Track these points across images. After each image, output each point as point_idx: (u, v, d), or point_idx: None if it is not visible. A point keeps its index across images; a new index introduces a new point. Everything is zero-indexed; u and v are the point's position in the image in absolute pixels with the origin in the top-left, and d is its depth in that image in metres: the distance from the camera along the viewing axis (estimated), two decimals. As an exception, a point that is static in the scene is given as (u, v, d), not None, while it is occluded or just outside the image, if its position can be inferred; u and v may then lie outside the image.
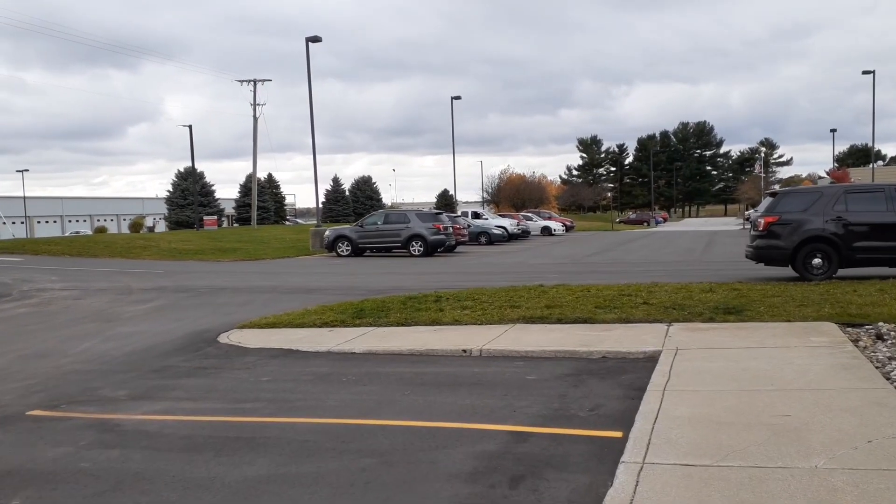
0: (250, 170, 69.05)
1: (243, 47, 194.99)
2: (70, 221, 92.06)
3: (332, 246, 29.48)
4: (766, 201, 15.27)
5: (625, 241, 41.21)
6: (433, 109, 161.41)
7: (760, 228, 14.62)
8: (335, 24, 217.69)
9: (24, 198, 79.67)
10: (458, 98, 50.08)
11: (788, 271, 15.37)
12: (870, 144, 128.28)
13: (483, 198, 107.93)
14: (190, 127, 54.25)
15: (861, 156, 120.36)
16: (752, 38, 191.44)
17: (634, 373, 7.59)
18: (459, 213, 42.95)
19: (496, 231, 39.42)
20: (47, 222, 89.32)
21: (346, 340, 9.78)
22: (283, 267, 24.45)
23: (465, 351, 8.91)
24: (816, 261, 14.06)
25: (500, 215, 47.41)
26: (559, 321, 10.31)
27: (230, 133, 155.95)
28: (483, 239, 38.53)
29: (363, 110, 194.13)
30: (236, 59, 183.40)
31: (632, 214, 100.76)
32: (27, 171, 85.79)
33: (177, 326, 11.72)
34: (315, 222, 37.76)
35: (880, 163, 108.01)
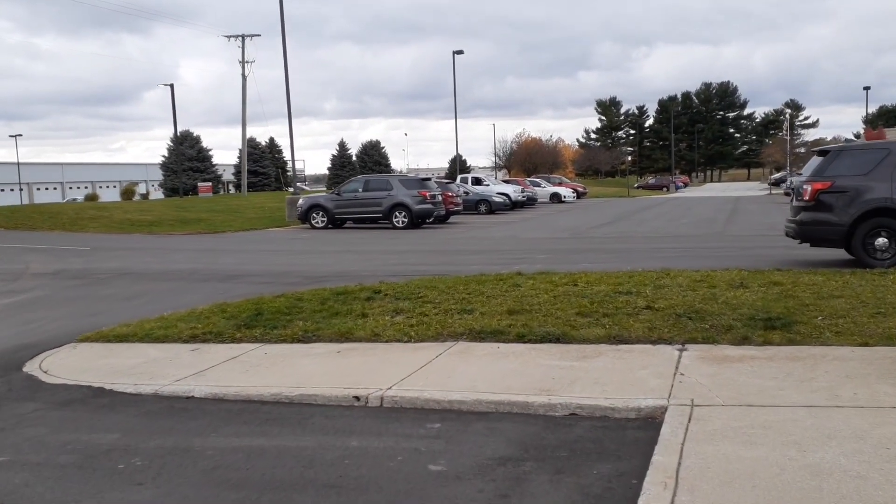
0: (262, 134, 65.71)
1: (255, 11, 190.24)
2: (70, 188, 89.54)
3: (305, 216, 26.26)
4: (813, 162, 11.79)
5: (639, 208, 37.64)
6: (450, 73, 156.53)
7: (806, 198, 11.18)
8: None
9: (18, 164, 77.05)
10: (460, 53, 46.24)
11: (841, 253, 11.94)
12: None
13: (495, 163, 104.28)
14: (171, 86, 50.83)
15: (892, 116, 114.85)
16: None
17: (617, 459, 4.34)
18: (458, 179, 39.50)
19: (497, 199, 35.99)
20: (47, 189, 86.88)
21: (197, 371, 6.57)
22: (236, 243, 21.27)
23: (357, 398, 5.67)
24: (882, 241, 10.64)
25: (504, 181, 43.89)
26: (520, 338, 7.01)
27: (250, 99, 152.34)
28: (483, 207, 35.16)
29: (380, 74, 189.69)
30: (249, 23, 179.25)
31: (651, 179, 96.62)
32: (20, 135, 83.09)
33: (3, 336, 8.56)
34: (322, 189, 34.47)
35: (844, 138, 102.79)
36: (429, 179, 27.50)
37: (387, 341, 7.26)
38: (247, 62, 53.13)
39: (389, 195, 25.46)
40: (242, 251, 18.19)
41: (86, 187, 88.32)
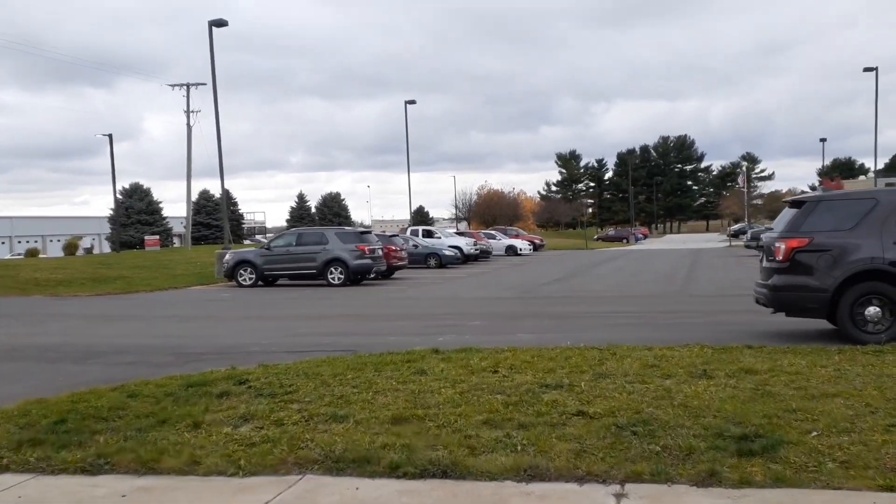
0: (227, 187, 63.48)
1: (223, 65, 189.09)
2: (20, 242, 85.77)
3: (231, 273, 23.90)
4: (785, 215, 9.93)
5: (596, 262, 35.90)
6: (416, 126, 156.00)
7: (780, 258, 9.29)
8: (316, 40, 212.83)
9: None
10: (412, 102, 44.67)
11: (821, 322, 10.06)
12: (852, 158, 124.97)
13: (456, 215, 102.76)
14: (110, 136, 48.40)
15: (845, 169, 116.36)
16: (732, 53, 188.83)
17: None
18: (408, 232, 37.53)
19: (448, 252, 33.98)
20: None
21: None
22: (139, 306, 18.85)
23: None
24: (873, 311, 8.74)
25: (457, 233, 42.00)
26: (393, 470, 4.84)
27: (207, 151, 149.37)
28: (433, 261, 33.14)
29: (346, 127, 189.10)
30: (217, 77, 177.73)
31: (611, 231, 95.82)
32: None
33: None
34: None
35: (862, 177, 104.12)
36: (368, 232, 25.37)
37: (205, 474, 5.04)
38: (192, 111, 50.90)
39: (324, 249, 23.28)
40: (137, 317, 15.79)
41: (36, 241, 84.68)
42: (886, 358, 7.60)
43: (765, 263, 9.90)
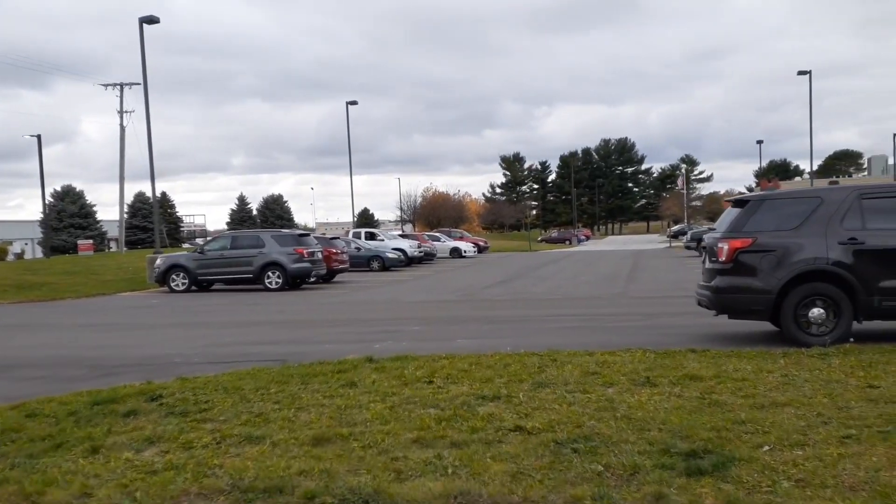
0: (168, 190, 61.59)
1: (163, 67, 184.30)
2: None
3: (163, 278, 22.91)
4: (728, 215, 9.72)
5: (540, 263, 35.78)
6: (360, 129, 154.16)
7: (722, 259, 9.05)
8: (257, 44, 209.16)
9: None
10: (353, 103, 43.92)
11: (764, 324, 9.89)
12: (787, 160, 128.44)
13: (401, 217, 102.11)
14: (38, 137, 46.34)
15: (780, 170, 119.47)
16: (668, 59, 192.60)
17: None
18: (350, 234, 36.84)
19: (391, 255, 33.43)
20: (-88, 248, 78.87)
21: None
22: (61, 314, 17.85)
23: None
24: (817, 312, 8.55)
25: (400, 236, 41.45)
26: (308, 500, 4.31)
27: (143, 153, 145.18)
28: (375, 264, 32.56)
29: (289, 130, 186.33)
30: (157, 80, 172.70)
31: (554, 232, 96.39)
32: None
33: None
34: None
35: (798, 178, 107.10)
36: (307, 235, 24.61)
37: (94, 509, 4.45)
38: (126, 112, 49.22)
39: (261, 253, 22.49)
40: (57, 326, 14.85)
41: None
42: (832, 361, 7.39)
43: (707, 265, 9.67)
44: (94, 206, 73.48)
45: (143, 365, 9.74)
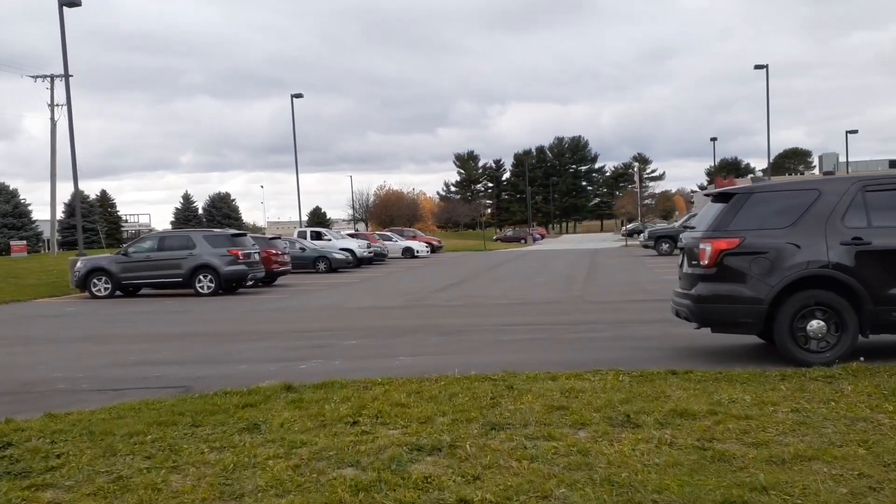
0: (112, 189, 58.62)
1: (108, 63, 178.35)
2: None
3: (83, 283, 20.94)
4: (709, 210, 8.42)
5: (494, 264, 34.48)
6: (312, 126, 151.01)
7: (705, 262, 7.73)
8: (205, 40, 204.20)
9: None
10: (299, 96, 41.95)
11: (749, 337, 8.64)
12: (739, 158, 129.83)
13: (353, 216, 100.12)
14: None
15: (732, 168, 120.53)
16: (619, 60, 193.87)
17: None
18: (295, 234, 35.06)
19: (338, 255, 31.73)
20: None
21: None
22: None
23: None
24: (817, 325, 7.29)
25: (349, 235, 39.78)
26: None
27: (92, 151, 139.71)
28: (322, 265, 30.82)
29: (239, 127, 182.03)
30: (101, 76, 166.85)
31: (509, 231, 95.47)
32: None
33: None
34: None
35: (750, 175, 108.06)
36: (243, 235, 22.80)
37: None
38: (57, 105, 46.54)
39: (191, 255, 20.68)
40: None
41: None
42: (843, 387, 6.12)
43: (686, 269, 8.37)
44: (30, 204, 70.14)
45: (20, 392, 8.09)
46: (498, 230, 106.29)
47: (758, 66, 40.00)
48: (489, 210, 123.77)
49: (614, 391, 6.25)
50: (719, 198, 8.27)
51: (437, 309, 15.69)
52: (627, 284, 19.71)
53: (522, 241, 78.31)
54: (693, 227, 8.70)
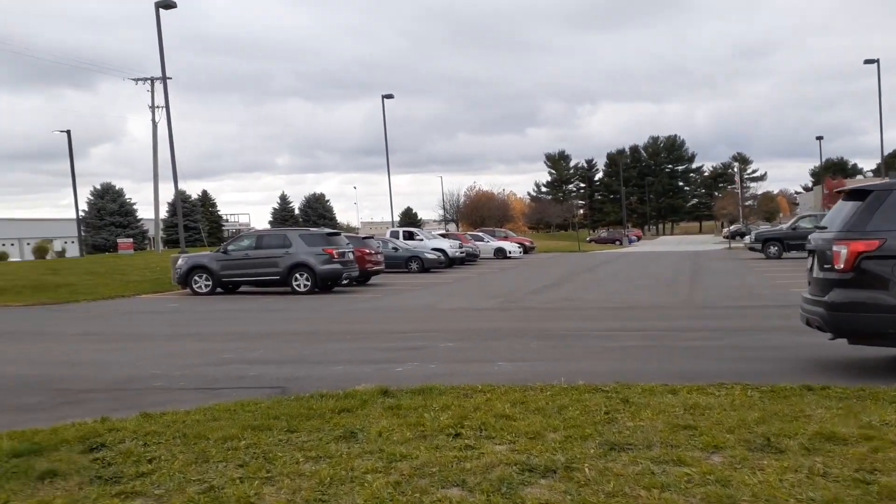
0: (213, 189, 60.86)
1: (203, 67, 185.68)
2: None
3: (185, 280, 21.44)
4: (841, 209, 7.59)
5: (590, 266, 33.58)
6: (403, 128, 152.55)
7: (840, 266, 6.94)
8: (296, 44, 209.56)
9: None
10: (389, 97, 42.25)
11: (885, 350, 7.76)
12: (845, 158, 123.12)
13: (444, 216, 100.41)
14: (68, 132, 45.74)
15: (838, 169, 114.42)
16: (713, 56, 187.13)
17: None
18: (388, 233, 35.14)
19: (430, 255, 31.58)
20: (-42, 246, 79.70)
21: None
22: (62, 320, 16.40)
23: None
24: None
25: (441, 235, 39.61)
26: None
27: (192, 153, 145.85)
28: (414, 265, 30.72)
29: (332, 129, 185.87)
30: (200, 80, 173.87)
31: (603, 232, 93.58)
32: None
33: None
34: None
35: (860, 177, 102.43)
36: (337, 234, 22.88)
37: None
38: (158, 107, 48.37)
39: (288, 253, 20.85)
40: (49, 336, 13.29)
41: (13, 244, 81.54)
42: None
43: (817, 273, 7.56)
44: (135, 204, 73.35)
45: (117, 389, 8.06)
46: (591, 231, 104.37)
47: (868, 61, 37.65)
48: (581, 211, 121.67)
49: (746, 409, 5.60)
50: (852, 195, 7.44)
51: (535, 311, 15.15)
52: (737, 289, 18.61)
53: (617, 243, 76.54)
54: (824, 228, 7.88)
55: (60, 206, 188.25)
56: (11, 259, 52.81)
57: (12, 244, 79.45)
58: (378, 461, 4.65)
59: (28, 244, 77.46)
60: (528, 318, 13.96)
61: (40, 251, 56.93)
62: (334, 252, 20.92)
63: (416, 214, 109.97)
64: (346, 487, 4.21)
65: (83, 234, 69.18)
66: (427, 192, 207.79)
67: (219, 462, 4.84)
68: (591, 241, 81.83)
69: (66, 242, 71.03)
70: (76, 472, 4.78)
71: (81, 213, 70.62)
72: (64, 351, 11.32)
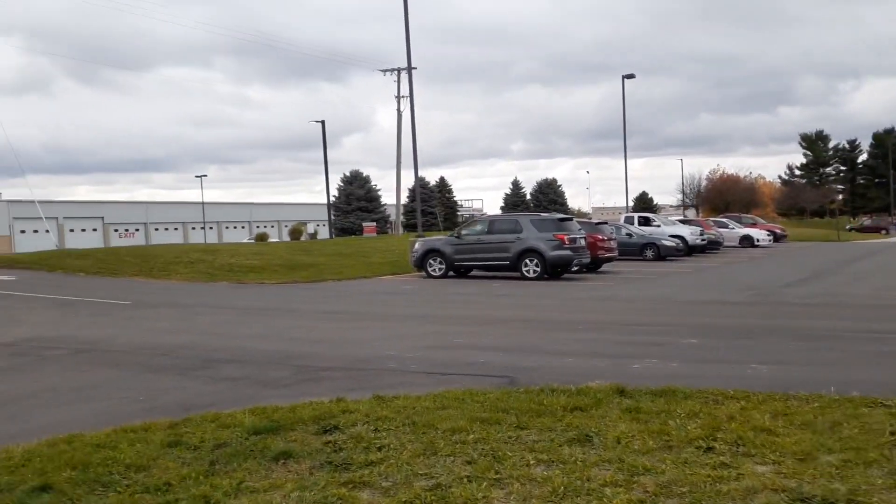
0: (450, 177, 63.80)
1: (445, 57, 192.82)
2: (257, 227, 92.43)
3: (420, 263, 22.08)
4: None
5: (852, 257, 30.04)
6: (639, 110, 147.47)
7: None
8: (536, 29, 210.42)
9: (203, 204, 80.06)
10: (630, 77, 40.68)
11: None
12: None
13: (682, 201, 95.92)
14: (322, 123, 49.24)
15: None
16: None
17: None
18: (622, 219, 33.91)
19: (668, 243, 29.96)
20: (235, 228, 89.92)
21: None
22: (313, 297, 17.47)
23: None
24: None
25: (679, 221, 37.53)
26: None
27: (433, 141, 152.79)
28: (649, 253, 29.31)
29: (566, 114, 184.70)
30: (439, 70, 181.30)
31: (866, 220, 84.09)
32: (205, 176, 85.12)
33: None
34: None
35: None
36: (569, 219, 22.34)
37: None
38: (402, 97, 50.67)
39: (518, 239, 20.69)
40: (294, 313, 14.16)
41: (272, 226, 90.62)
42: None
43: None
44: (380, 190, 77.89)
45: (353, 369, 8.25)
46: (851, 219, 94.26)
47: None
48: (840, 196, 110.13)
49: None
50: None
51: (790, 307, 13.62)
52: None
53: (883, 232, 68.27)
54: None
55: (314, 191, 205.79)
56: (270, 240, 58.46)
57: (272, 226, 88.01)
58: (617, 473, 4.14)
59: (285, 226, 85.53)
60: (782, 314, 12.55)
61: (295, 233, 62.40)
62: (565, 238, 20.42)
63: (651, 199, 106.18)
64: (581, 500, 3.76)
65: (333, 217, 74.91)
66: (662, 177, 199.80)
67: (447, 456, 4.61)
68: (851, 229, 73.79)
69: (317, 225, 77.32)
70: (308, 455, 4.79)
71: (332, 199, 76.56)
72: (307, 328, 11.98)
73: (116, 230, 72.19)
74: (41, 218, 42.94)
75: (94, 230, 69.71)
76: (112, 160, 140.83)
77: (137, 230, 75.25)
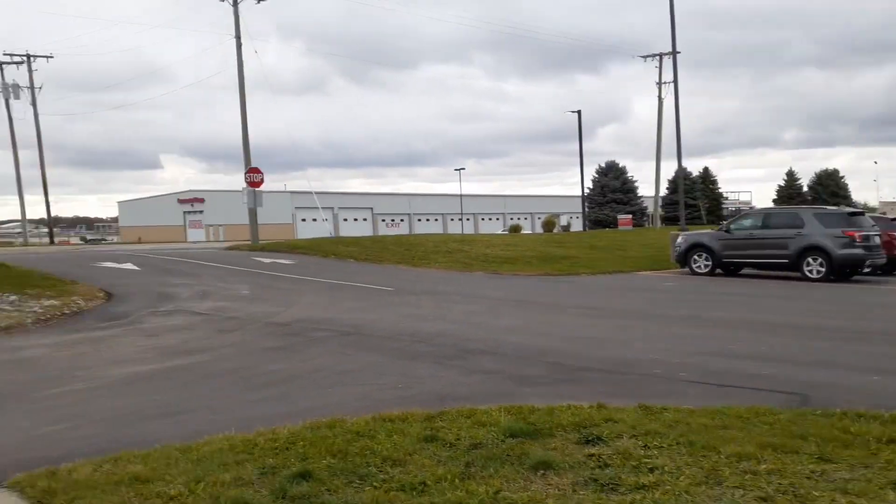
0: (716, 167, 60.89)
1: (709, 42, 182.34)
2: (511, 219, 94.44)
3: (683, 259, 20.67)
4: None
5: None
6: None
7: None
8: (813, 8, 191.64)
9: (461, 196, 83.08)
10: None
11: None
12: None
13: None
14: (579, 112, 48.47)
15: None
16: None
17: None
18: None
19: None
20: (490, 219, 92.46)
21: None
22: (566, 291, 16.93)
23: None
24: None
25: None
26: None
27: (695, 129, 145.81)
28: (960, 254, 25.04)
29: (849, 99, 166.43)
30: (703, 56, 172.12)
31: None
32: (463, 169, 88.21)
33: None
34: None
35: None
36: (860, 214, 19.62)
37: None
38: (663, 83, 48.42)
39: (799, 234, 18.57)
40: (549, 306, 13.73)
41: (525, 218, 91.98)
42: None
43: None
44: (636, 181, 75.40)
45: (613, 371, 7.65)
46: None
47: None
48: None
49: None
50: None
51: None
52: None
53: None
54: None
55: (567, 183, 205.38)
56: (524, 232, 59.10)
57: (525, 218, 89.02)
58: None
59: (538, 218, 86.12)
60: None
61: (548, 225, 62.41)
62: (856, 235, 17.96)
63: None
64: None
65: (586, 209, 73.99)
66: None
67: (734, 488, 3.90)
68: None
69: (570, 217, 76.88)
70: (570, 468, 4.32)
71: (586, 190, 75.62)
72: (561, 323, 11.53)
73: (384, 220, 77.39)
74: (318, 208, 47.08)
75: (365, 220, 75.41)
76: (380, 155, 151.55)
77: (402, 220, 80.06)
